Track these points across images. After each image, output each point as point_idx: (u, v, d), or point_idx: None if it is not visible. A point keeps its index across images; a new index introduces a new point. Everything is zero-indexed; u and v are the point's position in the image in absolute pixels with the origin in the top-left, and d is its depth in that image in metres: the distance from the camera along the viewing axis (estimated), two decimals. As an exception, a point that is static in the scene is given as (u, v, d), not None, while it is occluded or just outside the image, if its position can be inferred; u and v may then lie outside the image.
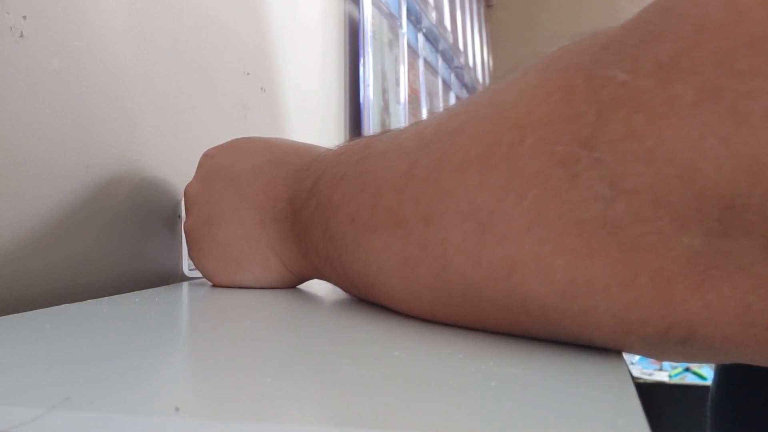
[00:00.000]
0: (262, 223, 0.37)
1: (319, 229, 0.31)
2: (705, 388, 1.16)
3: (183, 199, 0.41)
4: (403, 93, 1.11)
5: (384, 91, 1.00)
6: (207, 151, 0.41)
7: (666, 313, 0.19)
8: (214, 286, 0.40)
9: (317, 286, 0.41)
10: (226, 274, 0.39)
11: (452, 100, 1.66)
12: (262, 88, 0.64)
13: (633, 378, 0.18)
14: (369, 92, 0.91)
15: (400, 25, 1.11)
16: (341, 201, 0.29)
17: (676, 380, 1.59)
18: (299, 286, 0.41)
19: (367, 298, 0.32)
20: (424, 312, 0.26)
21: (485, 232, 0.21)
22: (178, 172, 0.49)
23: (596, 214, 0.19)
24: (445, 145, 0.24)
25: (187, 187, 0.41)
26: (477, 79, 2.07)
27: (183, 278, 0.47)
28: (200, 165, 0.40)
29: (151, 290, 0.38)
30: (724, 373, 0.38)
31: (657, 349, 0.20)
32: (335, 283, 0.35)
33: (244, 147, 0.40)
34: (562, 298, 0.20)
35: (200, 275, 0.46)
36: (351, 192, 0.29)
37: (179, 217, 0.47)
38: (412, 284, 0.25)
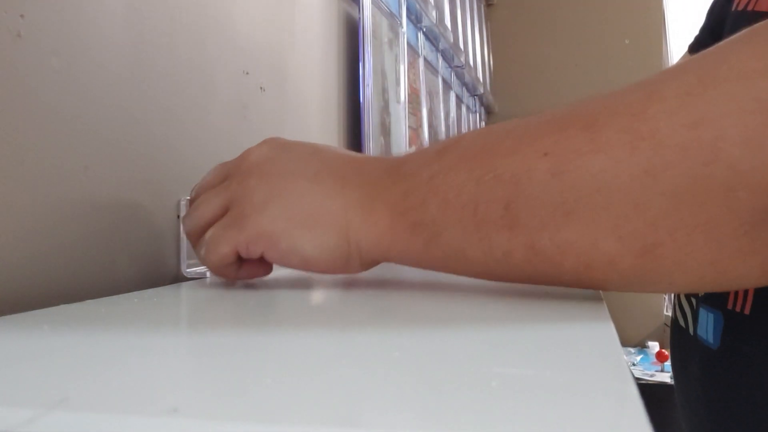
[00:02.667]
0: (342, 184, 0.35)
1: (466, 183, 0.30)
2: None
3: (182, 202, 0.41)
4: (403, 92, 1.11)
5: (384, 91, 1.00)
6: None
7: None
8: (261, 268, 0.37)
9: (317, 286, 0.41)
10: (287, 235, 0.35)
11: (452, 100, 1.66)
12: (261, 88, 0.63)
13: (635, 379, 0.18)
14: (369, 91, 0.91)
15: (400, 24, 1.11)
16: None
17: (677, 380, 1.59)
18: (299, 285, 0.41)
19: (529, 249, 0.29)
20: (646, 220, 0.26)
21: None
22: (178, 172, 0.49)
23: None
24: (701, 67, 0.25)
25: (251, 149, 0.38)
26: (477, 78, 2.06)
27: (182, 278, 0.47)
28: (270, 139, 0.38)
29: (150, 290, 0.38)
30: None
31: None
32: (437, 264, 0.33)
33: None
34: None
35: (200, 275, 0.46)
36: (530, 130, 0.28)
37: (179, 217, 0.47)
38: (649, 194, 0.25)
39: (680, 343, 0.51)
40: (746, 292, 0.40)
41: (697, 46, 0.59)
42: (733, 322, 0.42)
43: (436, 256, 0.32)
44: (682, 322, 0.51)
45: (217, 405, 0.16)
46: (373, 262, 0.36)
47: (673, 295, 0.56)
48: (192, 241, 0.39)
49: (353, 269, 0.36)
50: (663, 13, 2.56)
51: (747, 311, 0.40)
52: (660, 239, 0.26)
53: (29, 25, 0.35)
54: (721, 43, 0.26)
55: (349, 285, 0.43)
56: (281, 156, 0.37)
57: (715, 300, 0.44)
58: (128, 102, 0.43)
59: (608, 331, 0.25)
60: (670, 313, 0.59)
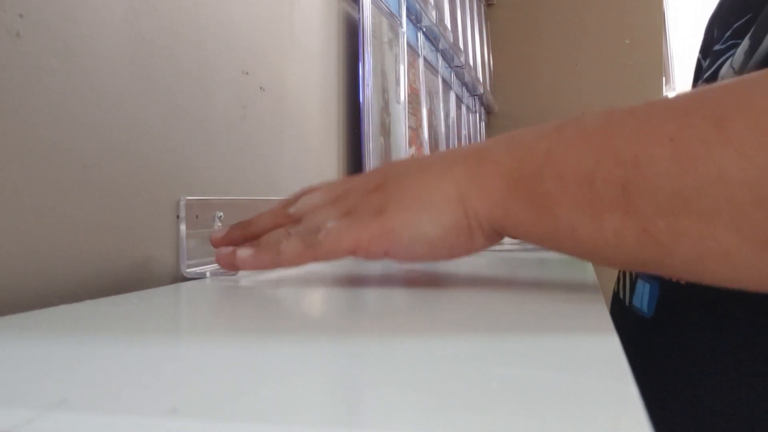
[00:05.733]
0: (450, 163, 0.36)
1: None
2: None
3: (182, 202, 0.41)
4: (403, 92, 1.11)
5: (384, 91, 0.99)
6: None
7: None
8: (395, 255, 0.36)
9: (317, 287, 0.41)
10: (408, 225, 0.35)
11: (452, 100, 1.66)
12: (261, 88, 0.63)
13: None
14: (369, 91, 0.91)
15: (400, 24, 1.11)
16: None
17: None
18: (299, 286, 0.41)
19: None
20: None
21: None
22: (178, 172, 0.49)
23: None
24: None
25: (351, 176, 0.41)
26: (477, 78, 2.06)
27: (182, 278, 0.47)
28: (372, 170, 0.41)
29: (149, 290, 0.38)
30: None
31: None
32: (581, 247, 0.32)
33: None
34: None
35: (200, 275, 0.46)
36: (655, 115, 0.28)
37: (179, 217, 0.47)
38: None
39: (617, 314, 0.52)
40: None
41: None
42: (668, 292, 0.42)
43: (547, 230, 0.32)
44: (621, 295, 0.51)
45: (217, 405, 0.16)
46: (495, 234, 0.36)
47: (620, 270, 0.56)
48: (280, 220, 0.40)
49: (478, 243, 0.36)
50: (663, 13, 2.56)
51: (682, 281, 0.40)
52: None
53: (28, 25, 0.35)
54: None
55: (349, 286, 0.43)
56: (387, 169, 0.39)
57: None
58: (128, 102, 0.43)
59: (608, 332, 0.25)
60: None
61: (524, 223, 0.33)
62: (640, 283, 0.47)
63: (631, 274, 0.50)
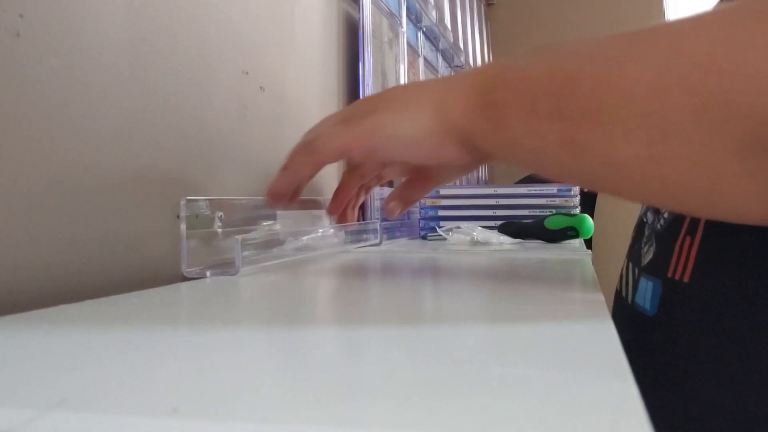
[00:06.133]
0: (432, 80, 0.42)
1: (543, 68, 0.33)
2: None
3: (182, 202, 0.41)
4: (403, 92, 1.11)
5: (384, 90, 1.00)
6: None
7: None
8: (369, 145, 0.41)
9: (317, 287, 0.41)
10: (389, 122, 0.40)
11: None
12: (261, 88, 0.63)
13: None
14: (369, 91, 0.91)
15: (400, 23, 1.11)
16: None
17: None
18: (299, 285, 0.41)
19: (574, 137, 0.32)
20: (660, 131, 0.28)
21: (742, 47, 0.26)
22: (178, 171, 0.49)
23: None
24: (743, 7, 0.28)
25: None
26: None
27: (182, 278, 0.47)
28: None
29: (149, 290, 0.38)
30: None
31: None
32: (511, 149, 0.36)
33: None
34: None
35: (200, 275, 0.46)
36: (598, 43, 0.32)
37: (179, 217, 0.47)
38: (668, 107, 0.28)
39: (618, 312, 0.52)
40: (687, 260, 0.41)
41: None
42: (671, 290, 0.42)
43: (501, 140, 0.36)
44: (623, 293, 0.52)
45: (217, 405, 0.16)
46: (466, 144, 0.39)
47: (623, 267, 0.57)
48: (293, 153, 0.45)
49: (452, 151, 0.39)
50: (663, 13, 2.56)
51: (686, 279, 0.40)
52: (668, 150, 0.28)
53: (28, 25, 0.35)
54: None
55: (349, 285, 0.43)
56: (380, 92, 0.45)
57: (656, 268, 0.45)
58: (128, 101, 0.43)
59: (608, 331, 0.25)
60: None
61: (483, 132, 0.37)
62: (643, 281, 0.47)
63: (634, 272, 0.50)
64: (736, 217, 0.31)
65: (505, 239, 0.82)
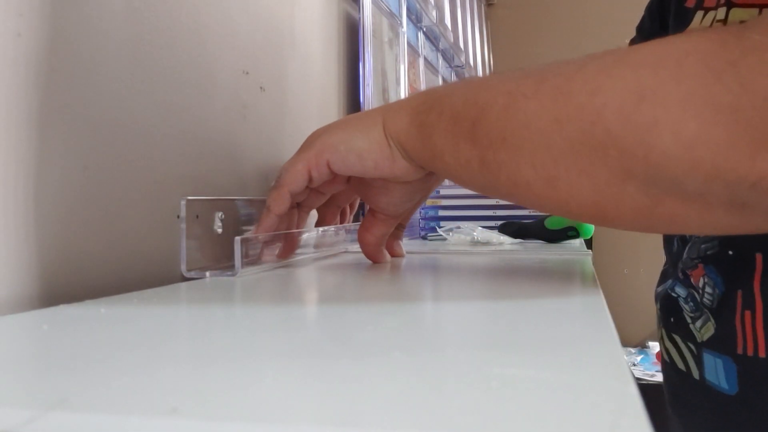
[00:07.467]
0: (381, 106, 0.46)
1: (459, 99, 0.38)
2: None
3: (182, 202, 0.41)
4: (403, 92, 1.11)
5: (384, 90, 1.00)
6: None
7: (750, 166, 0.28)
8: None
9: (316, 287, 0.41)
10: (344, 139, 0.44)
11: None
12: (261, 88, 0.63)
13: (635, 379, 0.18)
14: (369, 91, 0.91)
15: (401, 23, 1.11)
16: (497, 81, 0.37)
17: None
18: (299, 286, 0.41)
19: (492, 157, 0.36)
20: (551, 157, 0.33)
21: (643, 101, 0.30)
22: (178, 172, 0.49)
23: (729, 100, 0.28)
24: (618, 55, 0.32)
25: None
26: (477, 78, 2.06)
27: (182, 278, 0.47)
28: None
29: (149, 290, 0.38)
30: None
31: (732, 191, 0.29)
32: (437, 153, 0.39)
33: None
34: (684, 149, 0.29)
35: (200, 276, 0.46)
36: (513, 77, 0.36)
37: (178, 217, 0.47)
38: (555, 137, 0.33)
39: (683, 388, 0.53)
40: (755, 335, 0.42)
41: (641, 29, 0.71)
42: (748, 367, 0.43)
43: (428, 155, 0.40)
44: (681, 366, 0.52)
45: (217, 405, 0.16)
46: (407, 158, 0.43)
47: (660, 333, 0.58)
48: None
49: (400, 165, 0.43)
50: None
51: (762, 354, 0.41)
52: (559, 174, 0.33)
53: (28, 25, 0.35)
54: (645, 43, 0.33)
55: (349, 285, 0.43)
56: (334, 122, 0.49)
57: (719, 345, 0.46)
58: (128, 102, 0.43)
59: (608, 331, 0.25)
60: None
61: (415, 148, 0.41)
62: (708, 357, 0.48)
63: (690, 347, 0.51)
64: (621, 228, 0.35)
65: (505, 239, 0.82)
